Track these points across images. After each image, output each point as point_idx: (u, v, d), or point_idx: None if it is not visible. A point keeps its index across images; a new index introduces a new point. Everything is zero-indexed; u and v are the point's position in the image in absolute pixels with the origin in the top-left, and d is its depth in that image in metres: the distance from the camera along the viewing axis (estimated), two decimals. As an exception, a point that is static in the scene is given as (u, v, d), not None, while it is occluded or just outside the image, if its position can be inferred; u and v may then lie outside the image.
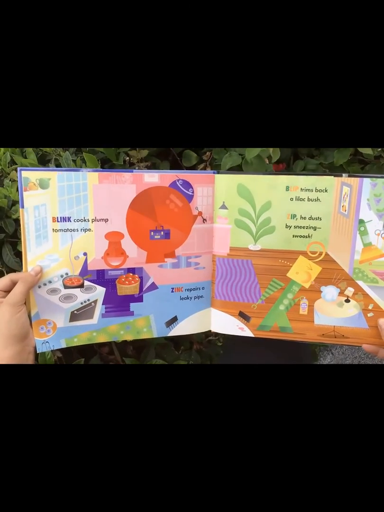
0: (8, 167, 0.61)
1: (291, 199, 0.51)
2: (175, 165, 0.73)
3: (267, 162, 0.63)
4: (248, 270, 0.53)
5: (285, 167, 0.71)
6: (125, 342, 0.54)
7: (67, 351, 0.52)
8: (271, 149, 0.61)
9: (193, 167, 0.71)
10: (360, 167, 0.69)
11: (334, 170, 0.69)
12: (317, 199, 0.50)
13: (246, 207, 0.52)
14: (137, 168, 0.67)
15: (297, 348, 0.58)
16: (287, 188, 0.51)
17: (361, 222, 0.50)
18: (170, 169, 0.72)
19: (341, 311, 0.51)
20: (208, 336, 0.76)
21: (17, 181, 0.48)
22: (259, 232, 0.52)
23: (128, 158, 0.67)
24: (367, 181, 0.49)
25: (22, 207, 0.47)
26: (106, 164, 0.68)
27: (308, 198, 0.50)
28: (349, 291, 0.51)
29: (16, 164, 0.61)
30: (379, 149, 0.66)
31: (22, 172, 0.47)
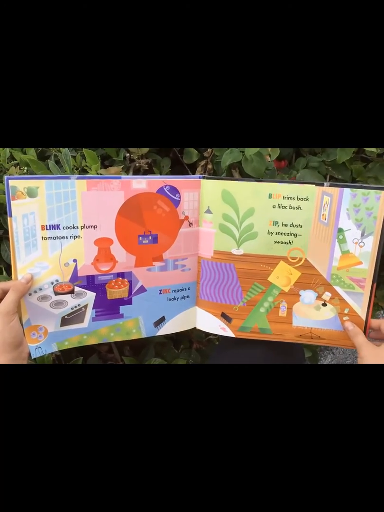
0: (7, 163, 0.61)
1: (274, 207, 0.52)
2: (176, 162, 0.73)
3: (268, 159, 0.63)
4: (230, 273, 0.55)
5: (287, 164, 0.70)
6: (124, 341, 0.57)
7: (65, 350, 0.54)
8: (269, 148, 0.61)
9: (194, 164, 0.71)
10: (362, 165, 0.69)
11: (336, 167, 0.68)
12: (299, 207, 0.52)
13: (230, 212, 0.53)
14: (137, 164, 0.67)
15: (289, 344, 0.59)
16: (270, 196, 0.52)
17: (340, 230, 0.52)
18: (171, 165, 0.73)
19: (318, 314, 0.55)
20: (208, 335, 0.78)
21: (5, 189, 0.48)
22: (242, 237, 0.54)
23: (128, 154, 0.67)
24: (347, 192, 0.51)
25: (10, 216, 0.48)
26: (106, 160, 0.68)
27: (290, 206, 0.52)
28: (327, 295, 0.54)
29: (16, 159, 0.61)
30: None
31: (10, 181, 0.47)
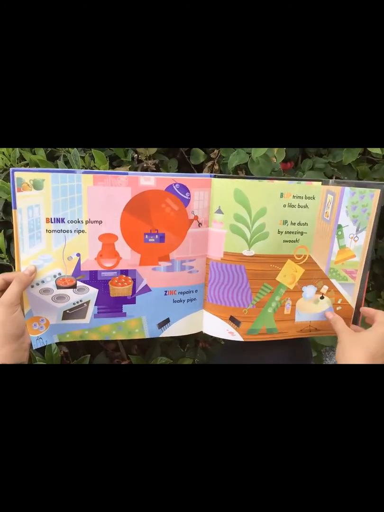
0: (17, 163, 0.60)
1: (284, 206, 0.52)
2: (183, 163, 0.72)
3: (275, 161, 0.62)
4: (241, 275, 0.53)
5: (293, 165, 0.70)
6: (130, 339, 0.54)
7: (73, 347, 0.52)
8: (275, 149, 0.60)
9: (200, 165, 0.70)
10: (368, 166, 0.69)
11: (342, 169, 0.68)
12: (306, 206, 0.53)
13: (242, 212, 0.52)
14: (145, 165, 0.67)
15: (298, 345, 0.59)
16: (281, 195, 0.52)
17: (339, 227, 0.54)
18: (178, 166, 0.72)
19: (317, 307, 0.56)
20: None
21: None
22: (254, 238, 0.53)
23: (136, 155, 0.66)
24: (347, 190, 0.52)
25: (15, 207, 0.46)
26: (114, 161, 0.67)
27: (298, 205, 0.53)
28: (324, 289, 0.56)
29: (25, 159, 0.60)
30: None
31: (15, 173, 0.46)
